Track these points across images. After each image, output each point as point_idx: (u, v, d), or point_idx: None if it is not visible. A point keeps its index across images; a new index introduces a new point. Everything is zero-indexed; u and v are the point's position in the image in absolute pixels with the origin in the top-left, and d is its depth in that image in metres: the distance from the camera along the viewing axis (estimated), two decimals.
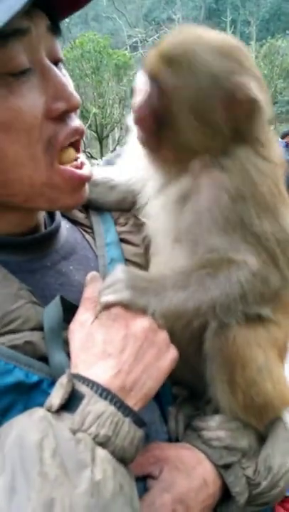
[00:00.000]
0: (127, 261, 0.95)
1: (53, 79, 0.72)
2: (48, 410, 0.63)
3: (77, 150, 0.82)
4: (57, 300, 0.75)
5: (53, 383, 0.69)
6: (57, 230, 0.89)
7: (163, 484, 0.79)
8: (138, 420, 0.67)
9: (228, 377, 0.84)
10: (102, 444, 0.61)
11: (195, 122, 0.76)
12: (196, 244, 0.83)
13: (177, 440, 0.92)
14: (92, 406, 0.63)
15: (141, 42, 30.06)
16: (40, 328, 0.73)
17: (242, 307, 0.79)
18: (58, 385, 0.65)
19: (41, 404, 0.67)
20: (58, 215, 0.92)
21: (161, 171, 0.87)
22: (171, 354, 0.75)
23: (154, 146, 0.82)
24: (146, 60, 0.79)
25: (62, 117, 0.74)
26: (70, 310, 0.76)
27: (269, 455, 0.90)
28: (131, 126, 0.89)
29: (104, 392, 0.64)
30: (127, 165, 1.01)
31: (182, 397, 0.99)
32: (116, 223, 1.01)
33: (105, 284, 0.76)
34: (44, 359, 0.72)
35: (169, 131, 0.77)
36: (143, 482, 0.81)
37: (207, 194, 0.80)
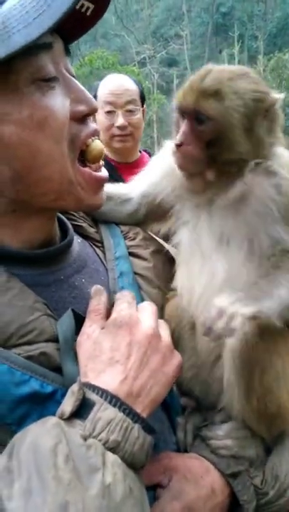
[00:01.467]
0: (136, 274, 0.98)
1: (74, 86, 0.82)
2: (60, 418, 0.66)
3: None
4: (69, 313, 0.78)
5: (66, 393, 0.72)
6: (70, 244, 0.93)
7: (172, 493, 0.81)
8: (147, 426, 0.69)
9: (245, 383, 0.87)
10: (113, 449, 0.64)
11: (243, 134, 0.86)
12: (248, 241, 0.89)
13: (186, 450, 0.94)
14: (102, 413, 0.66)
15: (149, 58, 30.50)
16: (54, 339, 0.76)
17: None
18: (69, 393, 0.68)
19: (55, 414, 0.70)
20: (70, 229, 0.96)
21: (202, 190, 0.93)
22: (176, 359, 0.78)
23: (200, 170, 0.90)
24: (180, 98, 0.90)
25: (83, 119, 0.84)
26: (81, 322, 0.80)
27: (276, 464, 0.91)
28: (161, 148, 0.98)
29: (114, 399, 0.67)
30: (151, 177, 1.07)
31: (190, 408, 1.02)
32: (125, 237, 1.05)
33: (224, 305, 0.77)
34: (58, 370, 0.75)
35: (219, 151, 0.87)
36: (153, 491, 0.83)
37: (262, 193, 0.88)
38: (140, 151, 2.82)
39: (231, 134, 0.86)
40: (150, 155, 2.88)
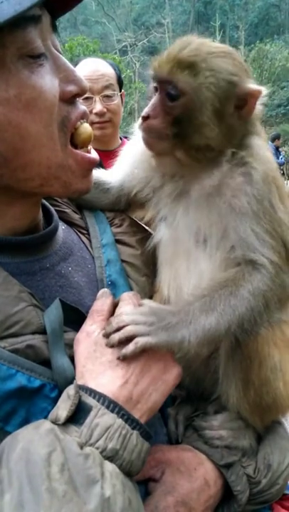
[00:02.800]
0: (124, 262, 0.95)
1: (63, 65, 0.77)
2: (54, 422, 0.62)
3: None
4: (57, 303, 0.75)
5: (55, 387, 0.69)
6: (55, 230, 0.89)
7: (165, 487, 0.79)
8: (145, 433, 0.66)
9: (243, 374, 0.85)
10: (110, 458, 0.61)
11: (213, 117, 0.80)
12: (222, 239, 0.85)
13: (177, 441, 0.92)
14: (100, 418, 0.62)
15: (130, 46, 30.14)
16: (41, 331, 0.73)
17: (266, 316, 0.81)
18: (64, 396, 0.65)
19: (43, 409, 0.67)
20: (55, 216, 0.92)
21: (175, 174, 0.88)
22: (177, 369, 0.75)
23: (167, 149, 0.84)
24: (155, 66, 0.83)
25: (73, 100, 0.78)
26: (69, 312, 0.76)
27: (267, 453, 0.91)
28: (134, 132, 0.91)
29: (112, 405, 0.64)
30: (124, 168, 1.02)
31: (181, 399, 1.00)
32: (111, 224, 1.01)
33: (137, 320, 0.74)
34: (46, 363, 0.71)
35: (185, 130, 0.81)
36: (144, 485, 0.81)
37: (234, 183, 0.83)
38: (121, 138, 2.76)
39: (199, 113, 0.80)
40: None
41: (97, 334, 0.73)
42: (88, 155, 0.82)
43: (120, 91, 2.63)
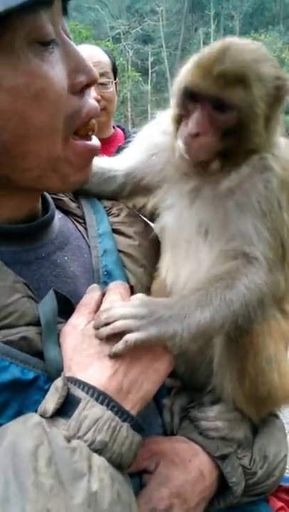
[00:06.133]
0: (121, 252, 0.93)
1: (73, 52, 0.73)
2: (43, 416, 0.60)
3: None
4: (51, 294, 0.73)
5: (49, 379, 0.68)
6: (52, 219, 0.87)
7: (159, 479, 0.78)
8: (136, 425, 0.65)
9: (238, 364, 0.84)
10: (99, 451, 0.59)
11: (263, 124, 0.79)
12: (224, 232, 0.83)
13: (172, 432, 0.91)
14: (89, 411, 0.61)
15: (124, 34, 29.76)
16: (35, 323, 0.71)
17: (260, 312, 0.80)
18: (52, 389, 0.63)
19: (37, 401, 0.65)
20: (51, 204, 0.90)
21: (197, 177, 0.86)
22: (168, 357, 0.73)
23: (208, 160, 0.81)
24: (195, 82, 0.77)
25: (82, 91, 0.75)
26: (63, 303, 0.75)
27: (264, 444, 0.90)
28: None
29: (101, 396, 0.62)
30: (137, 155, 1.00)
31: (176, 389, 0.99)
32: (109, 214, 0.99)
33: (127, 314, 0.71)
34: (39, 355, 0.70)
35: (236, 141, 0.79)
36: (138, 477, 0.80)
37: (251, 187, 0.81)
38: (114, 127, 2.73)
39: (253, 123, 0.78)
40: (124, 131, 2.80)
41: (83, 326, 0.71)
42: (89, 143, 0.79)
43: (115, 79, 2.60)
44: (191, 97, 0.79)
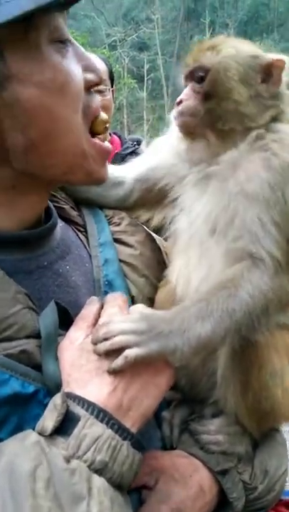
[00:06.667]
0: (122, 262, 0.92)
1: (82, 53, 0.77)
2: (41, 434, 0.59)
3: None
4: (52, 305, 0.71)
5: (49, 393, 0.66)
6: (54, 226, 0.86)
7: (159, 495, 0.77)
8: (136, 442, 0.63)
9: (242, 377, 0.82)
10: (99, 472, 0.58)
11: (241, 87, 0.84)
12: (229, 227, 0.82)
13: (172, 446, 0.89)
14: (88, 429, 0.59)
15: (120, 41, 29.89)
16: (35, 335, 0.69)
17: (265, 321, 0.78)
18: (51, 405, 0.61)
19: (37, 416, 0.64)
20: (54, 211, 0.89)
21: (201, 161, 0.89)
22: (169, 370, 0.72)
23: (199, 127, 0.87)
24: (184, 64, 0.90)
25: (90, 90, 0.78)
26: (64, 314, 0.73)
27: (264, 458, 0.89)
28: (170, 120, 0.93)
29: (101, 414, 0.61)
30: (148, 160, 1.01)
31: (176, 402, 0.97)
32: (110, 223, 0.98)
33: (126, 330, 0.69)
34: (39, 368, 0.68)
35: (216, 102, 0.85)
36: (138, 493, 0.78)
37: (251, 166, 0.82)
38: (110, 134, 2.73)
39: (226, 80, 0.84)
40: (120, 138, 2.80)
41: (81, 341, 0.70)
42: (104, 144, 0.82)
43: (112, 86, 2.61)
44: (184, 80, 0.90)
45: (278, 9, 32.74)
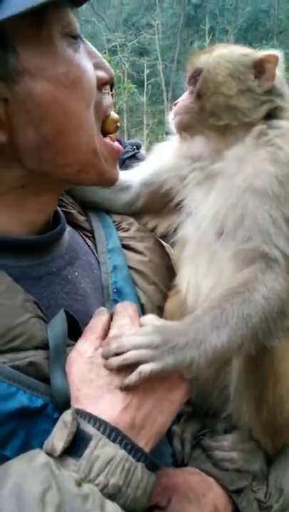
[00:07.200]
0: (131, 269, 0.89)
1: (92, 50, 0.76)
2: (50, 454, 0.55)
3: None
4: (62, 315, 0.68)
5: (58, 407, 0.63)
6: (63, 231, 0.83)
7: None
8: (150, 463, 0.59)
9: (257, 392, 0.79)
10: (112, 496, 0.54)
11: (232, 83, 0.84)
12: (239, 227, 0.79)
13: (183, 462, 0.86)
14: (100, 450, 0.55)
15: (120, 46, 30.02)
16: (44, 346, 0.66)
17: (281, 324, 0.74)
18: (60, 423, 0.57)
19: (45, 431, 0.60)
20: (62, 215, 0.85)
21: (204, 158, 0.88)
22: (184, 385, 0.68)
23: (195, 123, 0.88)
24: (189, 64, 0.92)
25: (101, 88, 0.77)
26: (73, 324, 0.70)
27: (279, 476, 0.85)
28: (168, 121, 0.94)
29: (114, 433, 0.57)
30: (152, 165, 0.99)
31: (186, 415, 0.94)
32: (118, 228, 0.95)
33: (139, 344, 0.65)
34: (47, 380, 0.64)
35: (207, 98, 0.86)
36: None
37: (257, 161, 0.80)
38: None
39: (215, 77, 0.85)
40: (120, 143, 2.78)
41: (90, 353, 0.66)
42: (115, 144, 0.80)
43: (111, 90, 2.59)
44: (188, 86, 0.93)
45: (278, 16, 32.97)
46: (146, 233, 0.98)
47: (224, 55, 0.87)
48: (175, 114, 0.92)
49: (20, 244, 0.74)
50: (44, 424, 0.62)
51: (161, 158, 0.98)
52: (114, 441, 0.56)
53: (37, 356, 0.64)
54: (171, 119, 0.93)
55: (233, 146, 0.84)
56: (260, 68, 0.85)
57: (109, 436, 0.56)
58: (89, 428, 0.57)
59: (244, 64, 0.85)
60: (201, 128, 0.88)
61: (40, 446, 0.58)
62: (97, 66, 0.75)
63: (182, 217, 0.91)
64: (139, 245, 0.93)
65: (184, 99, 0.91)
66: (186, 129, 0.90)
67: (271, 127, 0.83)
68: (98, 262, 0.87)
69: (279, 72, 0.86)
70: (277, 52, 0.85)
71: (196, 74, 0.89)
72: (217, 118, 0.85)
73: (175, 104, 0.93)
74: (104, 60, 0.77)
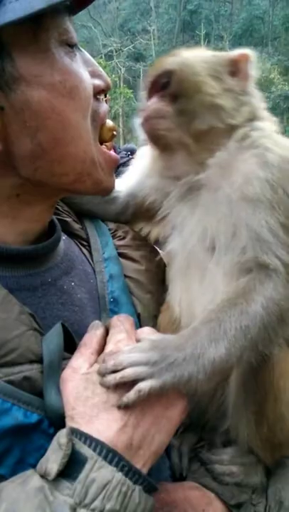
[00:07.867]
0: (127, 277, 0.87)
1: (89, 59, 0.75)
2: (43, 476, 0.53)
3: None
4: (58, 328, 0.66)
5: (52, 425, 0.61)
6: (58, 240, 0.81)
7: None
8: (148, 485, 0.57)
9: (256, 408, 0.77)
10: None
11: (210, 81, 0.80)
12: (232, 239, 0.76)
13: (181, 475, 0.84)
14: (96, 473, 0.53)
15: (116, 51, 30.14)
16: (39, 360, 0.64)
17: (281, 332, 0.72)
18: (55, 444, 0.55)
19: (40, 447, 0.58)
20: (57, 224, 0.84)
21: (185, 173, 0.83)
22: (182, 402, 0.66)
23: (172, 130, 0.81)
24: (146, 76, 0.86)
25: (98, 96, 0.76)
26: (69, 337, 0.68)
27: (278, 489, 0.83)
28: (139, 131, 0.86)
29: (110, 454, 0.54)
30: (134, 177, 0.96)
31: (183, 427, 0.92)
32: (114, 236, 0.93)
33: (137, 361, 0.63)
34: (42, 395, 0.62)
35: (186, 98, 0.80)
36: None
37: (246, 166, 0.77)
38: None
39: (195, 77, 0.80)
40: (115, 149, 2.77)
41: (85, 370, 0.63)
42: (112, 153, 0.79)
43: (106, 96, 2.59)
44: (147, 93, 0.86)
45: (272, 23, 33.25)
46: (142, 241, 0.96)
47: (195, 55, 0.84)
48: (146, 120, 0.83)
49: (15, 254, 0.72)
50: (40, 440, 0.60)
51: (142, 171, 0.94)
52: (110, 463, 0.54)
53: (32, 371, 0.63)
54: (141, 125, 0.84)
55: (216, 152, 0.81)
56: (234, 68, 0.84)
57: (105, 458, 0.54)
58: (84, 449, 0.55)
59: (219, 64, 0.83)
60: (179, 135, 0.80)
61: (36, 463, 0.56)
62: (94, 74, 0.75)
63: (168, 231, 0.89)
64: (135, 254, 0.91)
65: (155, 102, 0.83)
66: (160, 137, 0.82)
67: (253, 129, 0.82)
68: (94, 271, 0.85)
69: (253, 72, 0.85)
70: (249, 52, 0.84)
71: (165, 78, 0.82)
72: (200, 120, 0.80)
73: (144, 109, 0.84)
74: (101, 69, 0.77)
